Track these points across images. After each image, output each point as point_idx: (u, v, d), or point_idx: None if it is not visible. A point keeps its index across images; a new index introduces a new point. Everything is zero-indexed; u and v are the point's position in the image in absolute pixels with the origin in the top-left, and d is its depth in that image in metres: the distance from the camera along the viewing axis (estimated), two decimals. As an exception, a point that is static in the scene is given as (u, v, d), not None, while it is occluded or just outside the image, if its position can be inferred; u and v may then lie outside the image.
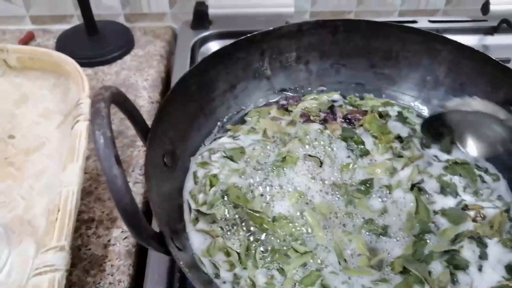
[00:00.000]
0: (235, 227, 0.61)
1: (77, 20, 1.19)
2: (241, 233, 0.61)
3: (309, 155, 0.70)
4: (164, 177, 0.62)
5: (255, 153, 0.71)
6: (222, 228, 0.61)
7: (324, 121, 0.77)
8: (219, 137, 0.76)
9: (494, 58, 0.69)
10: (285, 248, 0.59)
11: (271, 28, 0.75)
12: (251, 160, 0.70)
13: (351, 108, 0.80)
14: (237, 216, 0.62)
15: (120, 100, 0.52)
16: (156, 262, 0.62)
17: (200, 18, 1.09)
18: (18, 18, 1.16)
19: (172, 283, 0.60)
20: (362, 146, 0.71)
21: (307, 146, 0.72)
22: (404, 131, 0.75)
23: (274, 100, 0.82)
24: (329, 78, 0.83)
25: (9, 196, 0.65)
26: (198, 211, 0.65)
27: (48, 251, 0.50)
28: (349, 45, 0.80)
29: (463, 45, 0.73)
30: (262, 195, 0.65)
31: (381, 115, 0.77)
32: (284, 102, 0.81)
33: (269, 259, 0.58)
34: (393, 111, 0.79)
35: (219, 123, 0.77)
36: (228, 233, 0.61)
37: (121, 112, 0.55)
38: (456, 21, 1.12)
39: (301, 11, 1.19)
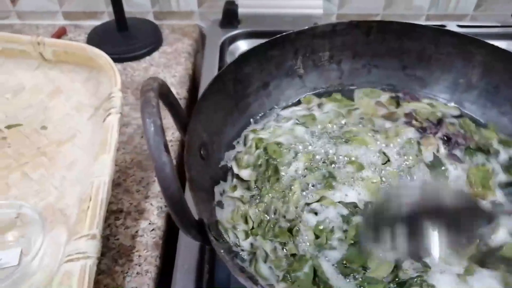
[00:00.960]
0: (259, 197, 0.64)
1: (107, 16, 1.21)
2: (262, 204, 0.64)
3: (383, 153, 0.70)
4: (200, 169, 0.62)
5: (326, 120, 0.75)
6: (252, 197, 0.64)
7: (423, 130, 0.73)
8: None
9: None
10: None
11: (306, 28, 0.76)
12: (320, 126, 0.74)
13: (461, 131, 0.74)
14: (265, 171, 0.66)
15: (165, 92, 0.53)
16: (186, 253, 0.63)
17: (229, 17, 1.10)
18: (51, 13, 1.19)
19: (201, 274, 0.61)
20: None
21: (390, 144, 0.71)
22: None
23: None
24: (360, 78, 0.83)
25: (42, 185, 0.67)
26: (238, 176, 0.68)
27: (80, 239, 0.51)
28: (382, 46, 0.80)
29: (498, 47, 0.72)
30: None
31: (482, 150, 0.70)
32: (401, 94, 0.81)
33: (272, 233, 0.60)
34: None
35: (252, 120, 0.77)
36: (254, 202, 0.64)
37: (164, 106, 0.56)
38: (485, 26, 1.11)
39: (328, 13, 1.19)
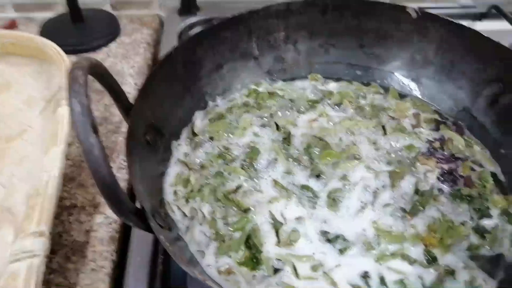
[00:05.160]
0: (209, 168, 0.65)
1: (61, 8, 1.16)
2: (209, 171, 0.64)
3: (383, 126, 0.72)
4: (146, 155, 0.60)
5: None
6: (202, 166, 0.65)
7: (433, 149, 0.69)
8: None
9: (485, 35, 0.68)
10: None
11: (259, 7, 0.74)
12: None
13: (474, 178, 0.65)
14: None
15: (100, 72, 0.50)
16: (139, 245, 0.62)
17: (188, 4, 1.08)
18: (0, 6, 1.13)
19: (155, 265, 0.60)
20: None
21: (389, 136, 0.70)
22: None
23: (263, 81, 0.80)
24: (318, 58, 0.81)
25: (-12, 184, 0.63)
26: (193, 133, 0.69)
27: (27, 237, 0.49)
28: (339, 24, 0.78)
29: (453, 22, 0.71)
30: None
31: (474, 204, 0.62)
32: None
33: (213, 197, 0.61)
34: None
35: (203, 104, 0.74)
36: (201, 169, 0.65)
37: (103, 88, 0.53)
38: (445, 7, 1.11)
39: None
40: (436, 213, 0.60)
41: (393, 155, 0.67)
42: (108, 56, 1.00)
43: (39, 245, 0.48)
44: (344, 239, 0.57)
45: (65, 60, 0.68)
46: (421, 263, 0.55)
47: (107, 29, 1.07)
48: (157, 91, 0.62)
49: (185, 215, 0.60)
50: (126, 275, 0.58)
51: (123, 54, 1.02)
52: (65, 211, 0.65)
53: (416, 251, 0.56)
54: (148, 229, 0.47)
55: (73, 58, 0.97)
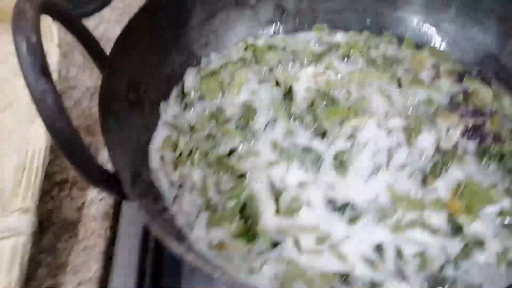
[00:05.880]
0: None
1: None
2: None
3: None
4: (129, 117, 0.52)
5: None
6: (192, 128, 0.57)
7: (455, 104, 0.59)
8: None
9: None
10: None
11: None
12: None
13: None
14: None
15: (58, 10, 0.41)
16: (129, 219, 0.56)
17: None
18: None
19: (146, 243, 0.54)
20: None
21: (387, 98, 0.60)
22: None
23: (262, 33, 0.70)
24: (322, 5, 0.69)
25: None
26: (184, 93, 0.61)
27: (11, 214, 0.46)
28: (345, -33, 0.68)
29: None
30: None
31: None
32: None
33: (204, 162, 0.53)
34: None
35: (195, 60, 0.65)
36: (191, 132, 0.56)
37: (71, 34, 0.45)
38: None
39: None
40: (461, 174, 0.51)
41: (409, 110, 0.57)
42: (101, 23, 0.92)
43: (24, 223, 0.45)
44: (354, 207, 0.48)
45: (53, 27, 0.62)
46: (444, 233, 0.46)
47: (99, -8, 0.98)
48: (138, 43, 0.54)
49: (172, 184, 0.51)
50: (113, 258, 0.52)
51: (117, 20, 0.93)
52: (55, 187, 0.60)
53: (439, 219, 0.47)
54: (121, 195, 0.40)
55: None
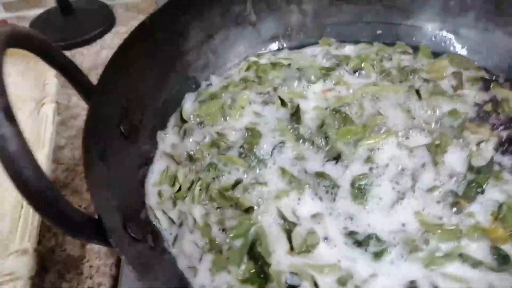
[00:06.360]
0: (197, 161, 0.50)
1: (52, 2, 1.05)
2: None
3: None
4: (121, 150, 0.46)
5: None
6: (191, 158, 0.50)
7: (484, 114, 0.52)
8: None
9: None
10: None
11: (252, -38, 0.58)
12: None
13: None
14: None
15: (30, 41, 0.36)
16: None
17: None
18: (-11, 6, 1.03)
19: None
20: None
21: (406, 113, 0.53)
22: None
23: (267, 51, 0.64)
24: (329, 19, 0.65)
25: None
26: (182, 120, 0.55)
27: (9, 256, 0.43)
28: (351, -26, 0.62)
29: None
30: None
31: None
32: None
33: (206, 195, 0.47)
34: None
35: (194, 85, 0.60)
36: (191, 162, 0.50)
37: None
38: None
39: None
40: (499, 195, 0.44)
41: (432, 125, 0.50)
42: (103, 49, 0.90)
43: (22, 265, 0.42)
44: (379, 240, 0.41)
45: None
46: (489, 265, 0.39)
47: (100, 19, 0.95)
48: (131, 68, 0.49)
49: (172, 221, 0.45)
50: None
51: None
52: None
53: (480, 250, 0.40)
54: (106, 243, 0.34)
55: (67, 53, 0.89)
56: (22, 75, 0.66)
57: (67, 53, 0.88)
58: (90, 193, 0.36)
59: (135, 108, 0.50)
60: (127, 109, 0.49)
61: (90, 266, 0.53)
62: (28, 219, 0.46)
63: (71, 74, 0.43)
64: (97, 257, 0.53)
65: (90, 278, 0.52)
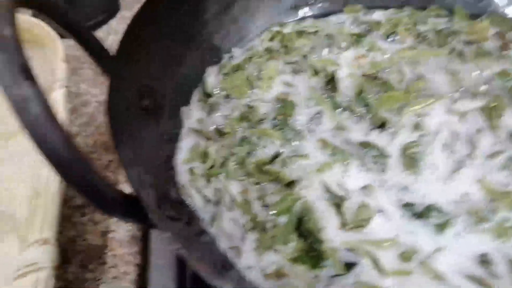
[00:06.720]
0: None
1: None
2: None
3: None
4: (146, 128, 0.42)
5: None
6: (221, 133, 0.46)
7: None
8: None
9: None
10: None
11: None
12: None
13: None
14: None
15: (40, 2, 0.32)
16: (161, 244, 0.48)
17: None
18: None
19: (183, 269, 0.45)
20: None
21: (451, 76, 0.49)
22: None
23: (289, 20, 0.60)
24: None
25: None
26: (206, 94, 0.51)
27: (30, 247, 0.41)
28: None
29: None
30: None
31: None
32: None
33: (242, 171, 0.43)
34: None
35: (215, 58, 0.55)
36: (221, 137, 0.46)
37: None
38: None
39: None
40: None
41: (481, 87, 0.46)
42: (109, 34, 0.86)
43: (45, 255, 0.40)
44: (439, 211, 0.37)
45: (54, 38, 0.57)
46: None
47: (104, 4, 0.90)
48: (147, 41, 0.44)
49: (208, 200, 0.41)
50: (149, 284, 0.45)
51: (126, 30, 0.87)
52: (76, 212, 0.55)
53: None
54: (149, 223, 0.30)
55: (71, 41, 0.86)
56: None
57: (71, 41, 0.85)
58: (124, 168, 0.32)
59: (155, 83, 0.46)
60: (147, 85, 0.45)
61: (114, 255, 0.51)
62: (47, 208, 0.43)
63: (88, 43, 0.39)
64: (120, 246, 0.51)
65: (115, 267, 0.50)
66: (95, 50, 0.40)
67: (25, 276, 0.39)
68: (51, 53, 0.58)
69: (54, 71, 0.56)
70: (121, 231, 0.53)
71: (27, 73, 0.24)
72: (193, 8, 0.52)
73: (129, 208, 0.29)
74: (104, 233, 0.53)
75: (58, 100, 0.53)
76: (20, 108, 0.23)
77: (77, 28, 0.37)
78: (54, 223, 0.43)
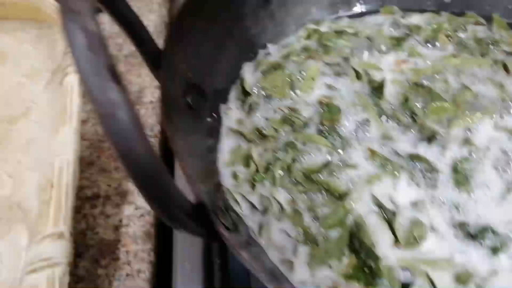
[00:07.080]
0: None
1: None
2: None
3: None
4: (189, 125, 0.40)
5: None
6: (263, 136, 0.44)
7: None
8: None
9: None
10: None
11: None
12: None
13: None
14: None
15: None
16: (186, 246, 0.47)
17: None
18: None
19: (211, 272, 0.44)
20: None
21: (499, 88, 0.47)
22: None
23: (322, 19, 0.57)
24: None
25: (-9, 174, 0.53)
26: (245, 92, 0.49)
27: (43, 240, 0.39)
28: None
29: None
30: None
31: None
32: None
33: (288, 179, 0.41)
34: None
35: (251, 53, 0.53)
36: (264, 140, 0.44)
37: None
38: None
39: None
40: None
41: (528, 102, 0.45)
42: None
43: (60, 250, 0.39)
44: (494, 232, 0.36)
45: None
46: None
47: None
48: (190, 34, 0.43)
49: (254, 207, 0.39)
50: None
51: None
52: (86, 203, 0.53)
53: None
54: (214, 236, 0.28)
55: None
56: (34, 43, 0.61)
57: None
58: (185, 175, 0.30)
59: (197, 78, 0.44)
60: (191, 79, 0.43)
61: (127, 251, 0.49)
62: (60, 200, 0.41)
63: (138, 36, 0.36)
64: (133, 242, 0.49)
65: (128, 264, 0.48)
66: (145, 42, 0.37)
67: (38, 272, 0.38)
68: (57, 35, 0.57)
69: (65, 54, 0.54)
70: (133, 226, 0.51)
71: (115, 76, 0.21)
72: (231, 3, 0.50)
73: (196, 221, 0.27)
74: (117, 227, 0.51)
75: (73, 86, 0.51)
76: (107, 114, 0.21)
77: (138, 27, 0.34)
78: (68, 216, 0.41)
